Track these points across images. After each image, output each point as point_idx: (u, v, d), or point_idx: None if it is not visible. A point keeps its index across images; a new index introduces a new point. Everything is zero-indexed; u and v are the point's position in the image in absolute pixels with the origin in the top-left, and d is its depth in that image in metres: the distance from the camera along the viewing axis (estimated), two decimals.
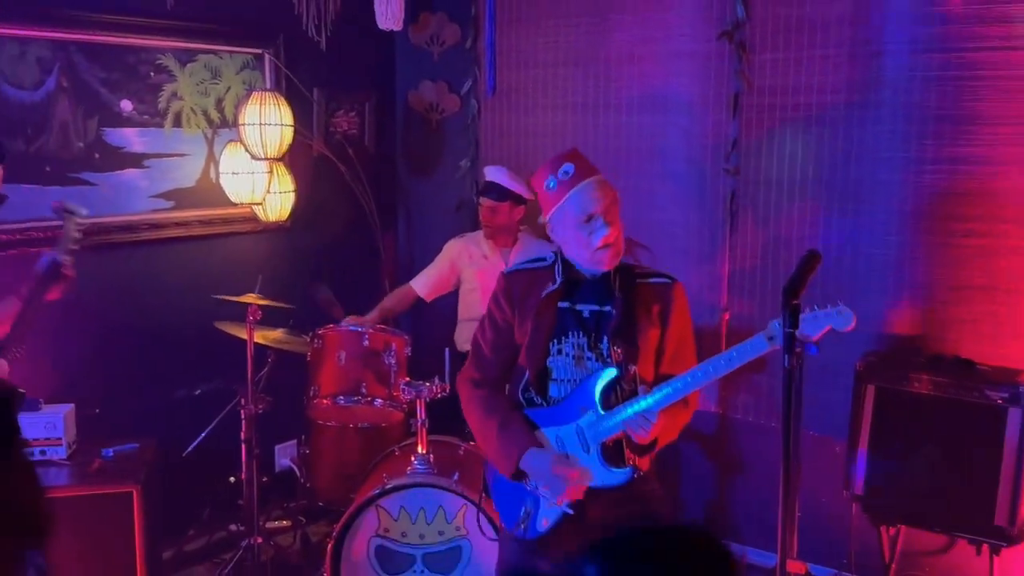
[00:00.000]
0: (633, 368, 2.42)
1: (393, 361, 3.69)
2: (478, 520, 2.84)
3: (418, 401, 3.36)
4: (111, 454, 3.50)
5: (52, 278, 2.88)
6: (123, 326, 3.96)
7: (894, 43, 3.54)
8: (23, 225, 3.60)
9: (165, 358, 4.11)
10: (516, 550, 2.60)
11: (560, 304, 2.50)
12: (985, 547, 3.18)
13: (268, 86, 4.36)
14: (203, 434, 4.00)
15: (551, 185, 2.45)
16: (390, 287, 4.89)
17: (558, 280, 2.50)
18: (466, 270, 4.26)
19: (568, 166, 2.43)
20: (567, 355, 2.49)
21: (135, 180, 3.99)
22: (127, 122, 3.95)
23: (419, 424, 3.36)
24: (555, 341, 2.50)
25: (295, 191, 4.36)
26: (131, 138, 3.97)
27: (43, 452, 3.37)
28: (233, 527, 4.15)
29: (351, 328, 3.76)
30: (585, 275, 2.50)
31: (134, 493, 3.31)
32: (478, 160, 4.73)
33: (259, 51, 4.40)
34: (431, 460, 3.31)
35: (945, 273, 3.51)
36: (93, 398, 3.78)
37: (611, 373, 2.41)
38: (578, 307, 2.51)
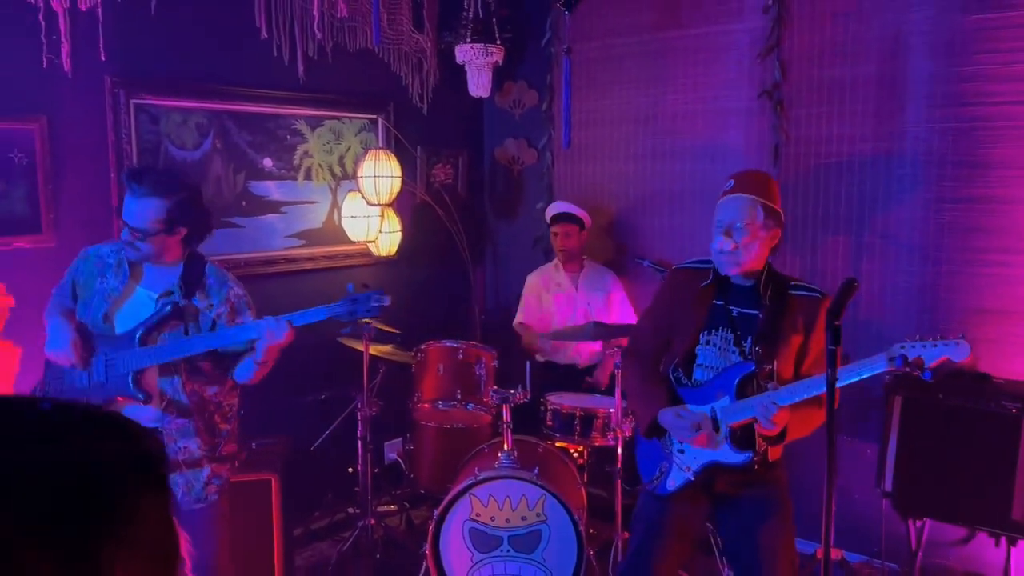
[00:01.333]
0: (769, 367, 2.36)
1: (483, 372, 3.70)
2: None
3: (504, 406, 3.36)
4: (255, 447, 3.49)
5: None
6: None
7: (915, 99, 3.46)
8: None
9: (298, 368, 4.16)
10: (648, 500, 2.60)
11: (715, 301, 2.47)
12: (1003, 539, 3.06)
13: (381, 145, 4.43)
14: (327, 432, 4.05)
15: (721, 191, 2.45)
16: (479, 312, 4.92)
17: (710, 278, 2.47)
18: (544, 296, 4.29)
19: (730, 182, 2.42)
20: (714, 346, 2.45)
21: (274, 223, 4.07)
22: (268, 176, 4.03)
23: (504, 426, 3.35)
24: (705, 332, 2.46)
25: (401, 231, 4.41)
26: (271, 189, 4.04)
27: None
28: (350, 510, 4.18)
29: (448, 343, 3.79)
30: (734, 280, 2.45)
31: (272, 480, 3.32)
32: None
33: (374, 116, 4.47)
34: (515, 456, 3.29)
35: (964, 298, 3.40)
36: (240, 401, 3.85)
37: (750, 367, 2.36)
38: (730, 307, 2.46)
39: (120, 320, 2.54)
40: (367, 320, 2.53)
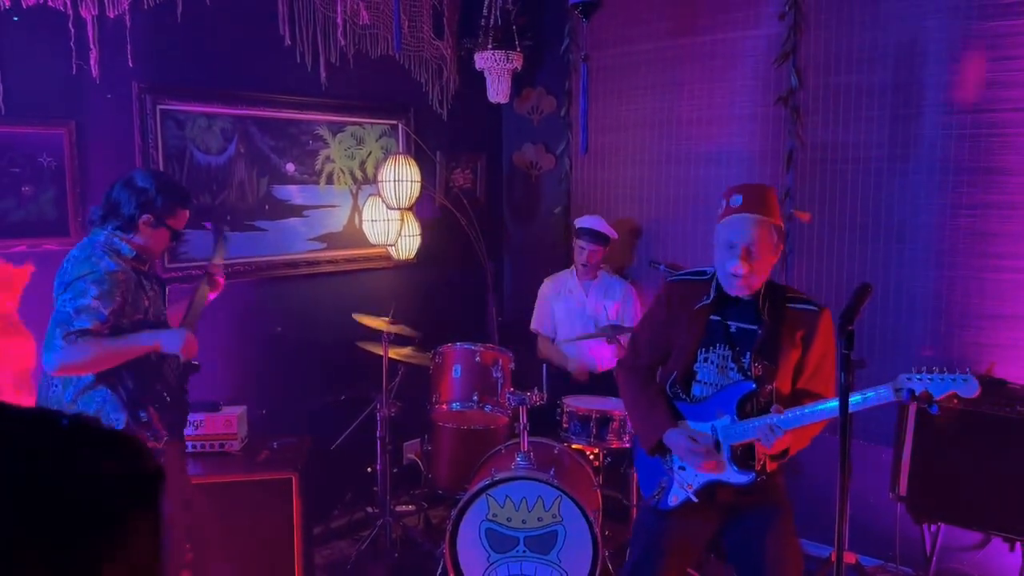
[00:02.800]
0: (770, 387, 2.31)
1: (500, 374, 3.70)
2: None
3: (521, 408, 3.36)
4: (275, 447, 3.53)
5: (207, 281, 2.98)
6: (285, 343, 4.06)
7: (930, 106, 3.44)
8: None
9: (319, 369, 4.19)
10: (649, 516, 2.54)
11: (712, 317, 2.39)
12: (1018, 544, 3.02)
13: (401, 150, 4.44)
14: (347, 432, 4.06)
15: (723, 203, 2.34)
16: (496, 314, 4.93)
17: (712, 295, 2.39)
18: (554, 303, 4.29)
19: (738, 197, 2.31)
20: (712, 363, 2.39)
21: (296, 227, 4.08)
22: (290, 180, 4.05)
23: (521, 427, 3.35)
24: (703, 349, 2.39)
25: (421, 235, 4.42)
26: (293, 193, 4.06)
27: (221, 445, 3.42)
28: (369, 509, 4.19)
29: (465, 346, 3.80)
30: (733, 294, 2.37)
31: (293, 479, 3.32)
32: (569, 208, 4.75)
33: (394, 122, 4.48)
34: (531, 457, 3.30)
35: (979, 304, 3.37)
36: (261, 401, 3.88)
37: (750, 387, 2.30)
38: (728, 322, 2.38)
39: None
40: None
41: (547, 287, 4.37)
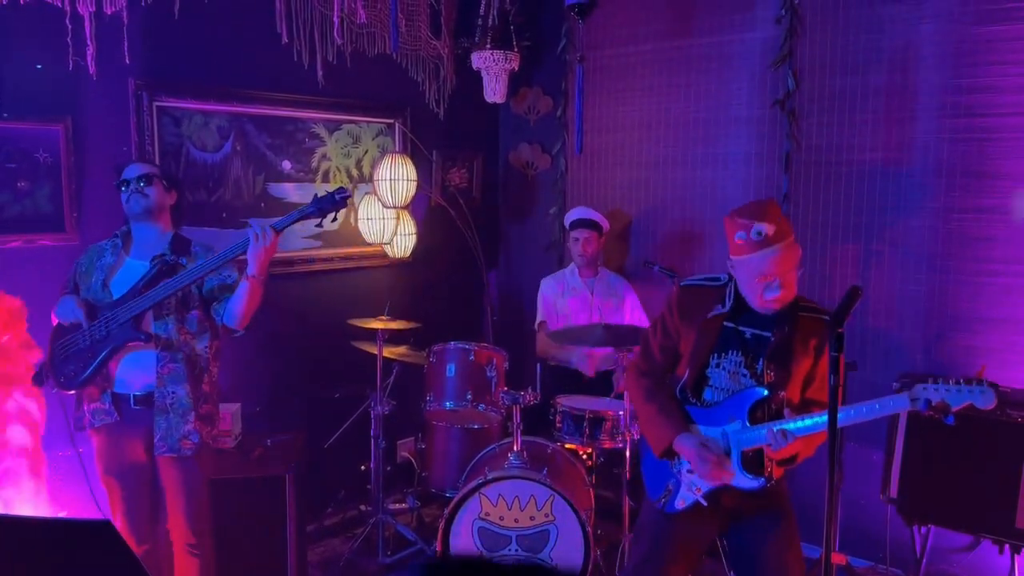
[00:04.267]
0: (782, 393, 2.30)
1: (494, 373, 3.71)
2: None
3: (514, 407, 3.38)
4: (269, 444, 3.52)
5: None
6: (280, 341, 4.06)
7: (925, 109, 3.45)
8: None
9: (312, 367, 4.20)
10: (654, 517, 2.52)
11: (726, 323, 2.37)
12: (1007, 547, 3.04)
13: (397, 149, 4.45)
14: (340, 430, 4.07)
15: (742, 237, 2.27)
16: (492, 313, 4.94)
17: (728, 304, 2.36)
18: (559, 301, 4.29)
19: (762, 227, 2.24)
20: (724, 369, 2.37)
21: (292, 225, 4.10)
22: (287, 178, 4.06)
23: (515, 426, 3.37)
24: (715, 355, 2.37)
25: (417, 233, 4.44)
26: (289, 191, 4.07)
27: (215, 441, 3.43)
28: (363, 507, 4.20)
29: (459, 345, 3.81)
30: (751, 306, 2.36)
31: (287, 477, 3.33)
32: (565, 208, 4.76)
33: (391, 121, 4.50)
34: (525, 457, 3.31)
35: (971, 307, 3.39)
36: (256, 398, 3.88)
37: (762, 393, 2.29)
38: (742, 328, 2.36)
39: (116, 287, 2.76)
40: (334, 217, 2.71)
41: (548, 286, 4.35)
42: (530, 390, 3.44)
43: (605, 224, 4.19)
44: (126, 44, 3.39)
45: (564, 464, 3.46)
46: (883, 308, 3.60)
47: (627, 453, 3.38)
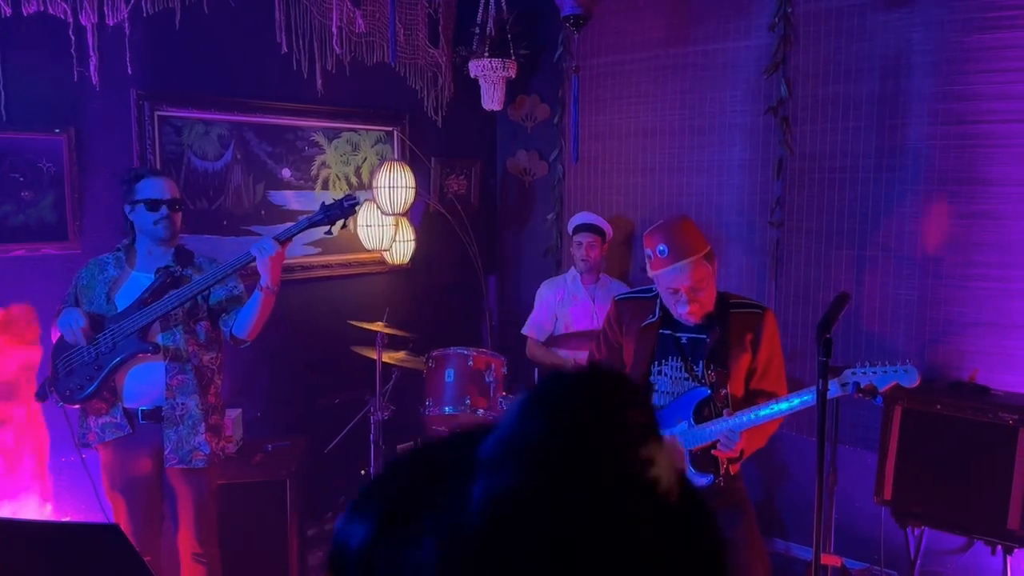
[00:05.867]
0: (724, 391, 2.41)
1: (493, 378, 3.75)
2: None
3: None
4: (270, 449, 3.57)
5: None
6: (280, 347, 4.07)
7: (917, 116, 3.50)
8: None
9: (313, 373, 4.22)
10: None
11: (661, 331, 2.51)
12: (999, 548, 3.08)
13: (396, 156, 4.49)
14: (341, 435, 4.09)
15: (651, 255, 2.44)
16: (490, 319, 4.98)
17: (657, 313, 2.52)
18: (560, 309, 4.28)
19: (663, 248, 2.40)
20: (666, 375, 2.50)
21: None
22: (287, 186, 4.09)
23: None
24: (656, 362, 2.51)
25: (415, 240, 4.48)
26: (289, 198, 4.10)
27: (224, 451, 3.44)
28: None
29: (458, 351, 3.84)
30: None
31: (287, 482, 3.37)
32: (563, 214, 4.80)
33: (390, 128, 4.53)
34: None
35: (963, 312, 3.43)
36: (256, 404, 3.92)
37: (705, 392, 2.41)
38: (678, 334, 2.50)
39: (121, 300, 2.77)
40: (344, 224, 2.70)
41: (547, 291, 4.33)
42: None
43: (609, 230, 4.18)
44: (128, 55, 3.44)
45: None
46: (876, 313, 3.64)
47: None
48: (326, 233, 2.78)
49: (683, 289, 2.38)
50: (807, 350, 3.71)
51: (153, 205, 2.74)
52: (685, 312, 2.41)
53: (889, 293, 3.62)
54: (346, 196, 2.73)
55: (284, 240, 2.71)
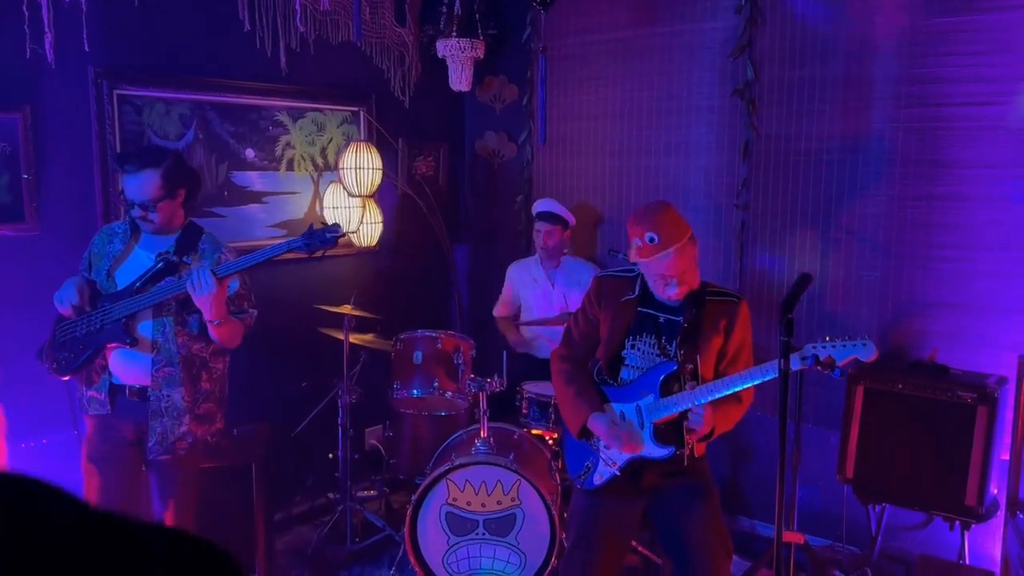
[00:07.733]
0: (690, 366, 2.49)
1: (461, 361, 3.75)
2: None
3: (481, 394, 3.41)
4: (236, 434, 3.51)
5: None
6: (245, 331, 4.05)
7: (881, 99, 3.54)
8: None
9: (280, 356, 4.19)
10: (578, 497, 2.75)
11: (640, 308, 2.60)
12: (957, 523, 3.16)
13: (362, 137, 4.44)
14: (308, 419, 4.07)
15: (639, 243, 2.49)
16: (458, 301, 4.97)
17: (637, 291, 2.61)
18: (522, 291, 4.34)
19: (652, 235, 2.46)
20: (639, 350, 2.59)
21: (256, 213, 4.07)
22: (250, 167, 4.03)
23: (481, 413, 3.41)
24: (631, 337, 2.60)
25: (382, 222, 4.44)
26: (253, 179, 4.05)
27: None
28: (331, 495, 4.22)
29: (426, 333, 3.84)
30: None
31: (253, 466, 3.36)
32: (531, 196, 4.79)
33: (356, 109, 4.48)
34: (491, 443, 3.35)
35: (924, 292, 3.49)
36: (227, 368, 3.86)
37: (672, 366, 2.49)
38: (655, 312, 2.60)
39: (120, 277, 2.75)
40: (321, 252, 2.68)
41: (513, 272, 4.42)
42: (496, 377, 3.49)
43: (570, 219, 4.20)
44: (85, 31, 3.35)
45: (530, 449, 3.52)
46: (840, 293, 3.69)
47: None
48: (312, 257, 2.77)
49: (672, 275, 2.46)
50: (771, 330, 3.76)
51: (129, 203, 2.73)
52: (674, 293, 2.50)
53: (853, 274, 3.67)
54: (331, 227, 2.66)
55: (223, 277, 2.60)
